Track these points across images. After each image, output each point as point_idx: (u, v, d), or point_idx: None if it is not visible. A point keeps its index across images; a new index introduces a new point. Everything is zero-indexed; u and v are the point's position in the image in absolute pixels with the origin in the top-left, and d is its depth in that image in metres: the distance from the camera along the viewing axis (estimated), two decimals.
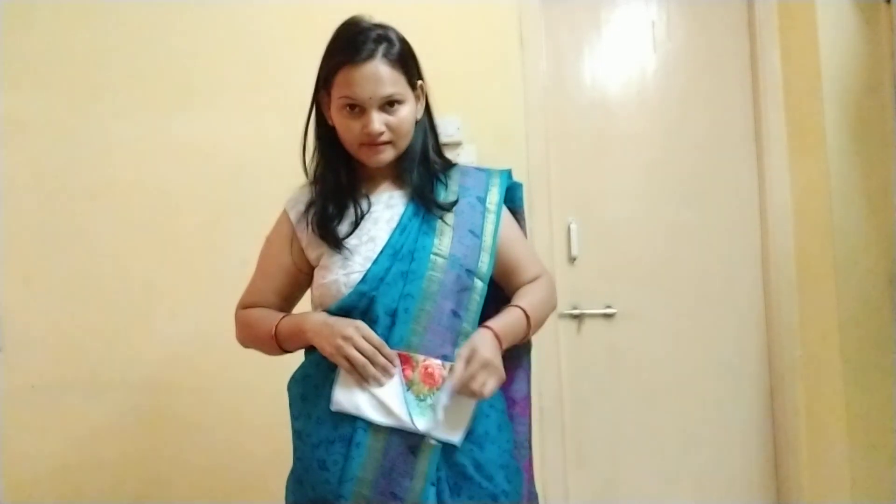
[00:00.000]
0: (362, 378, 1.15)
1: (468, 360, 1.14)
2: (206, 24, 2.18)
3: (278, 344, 1.26)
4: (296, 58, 2.14)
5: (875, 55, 2.09)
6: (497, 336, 1.19)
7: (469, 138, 2.15)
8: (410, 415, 1.14)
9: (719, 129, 2.31)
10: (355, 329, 1.15)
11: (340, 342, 1.14)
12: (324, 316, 1.20)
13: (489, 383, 1.14)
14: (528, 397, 1.38)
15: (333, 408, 1.16)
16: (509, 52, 2.21)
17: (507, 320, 1.24)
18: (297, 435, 1.25)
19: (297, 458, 1.24)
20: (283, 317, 1.27)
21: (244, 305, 1.36)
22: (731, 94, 2.31)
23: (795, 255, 2.21)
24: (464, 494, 1.17)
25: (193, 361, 2.11)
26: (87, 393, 2.10)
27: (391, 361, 1.16)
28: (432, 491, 1.15)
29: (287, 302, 1.35)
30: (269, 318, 1.28)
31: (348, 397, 1.16)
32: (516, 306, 1.26)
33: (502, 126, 2.20)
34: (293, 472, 1.25)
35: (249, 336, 1.34)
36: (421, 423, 1.14)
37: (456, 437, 1.16)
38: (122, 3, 2.16)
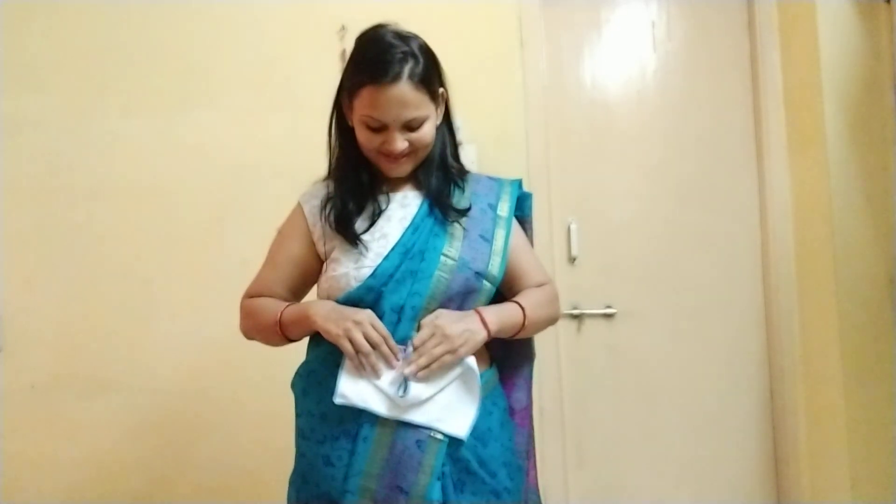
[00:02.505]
0: (362, 366, 1.14)
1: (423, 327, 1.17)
2: (207, 25, 2.18)
3: (282, 331, 1.24)
4: (298, 58, 2.16)
5: (875, 55, 2.09)
6: (481, 316, 1.19)
7: (469, 138, 2.15)
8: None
9: (719, 128, 2.31)
10: (367, 316, 1.16)
11: (350, 325, 1.14)
12: (332, 303, 1.21)
13: (437, 350, 1.14)
14: (527, 408, 1.38)
15: (338, 401, 1.15)
16: (509, 52, 2.22)
17: (498, 308, 1.24)
18: (300, 433, 1.25)
19: (300, 454, 1.25)
20: (289, 304, 1.26)
21: (250, 295, 1.35)
22: (731, 94, 2.31)
23: (795, 255, 2.21)
24: (467, 490, 1.17)
25: (193, 361, 2.11)
26: (87, 393, 2.10)
27: (395, 355, 1.15)
28: (437, 486, 1.15)
29: (293, 295, 1.34)
30: (274, 306, 1.27)
31: (354, 390, 1.15)
32: (513, 301, 1.27)
33: (502, 126, 2.20)
34: (296, 469, 1.25)
35: (253, 325, 1.32)
36: (421, 416, 1.15)
37: (462, 432, 1.16)
38: (124, 3, 2.16)
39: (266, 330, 1.28)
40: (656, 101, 2.31)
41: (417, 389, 1.14)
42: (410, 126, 1.22)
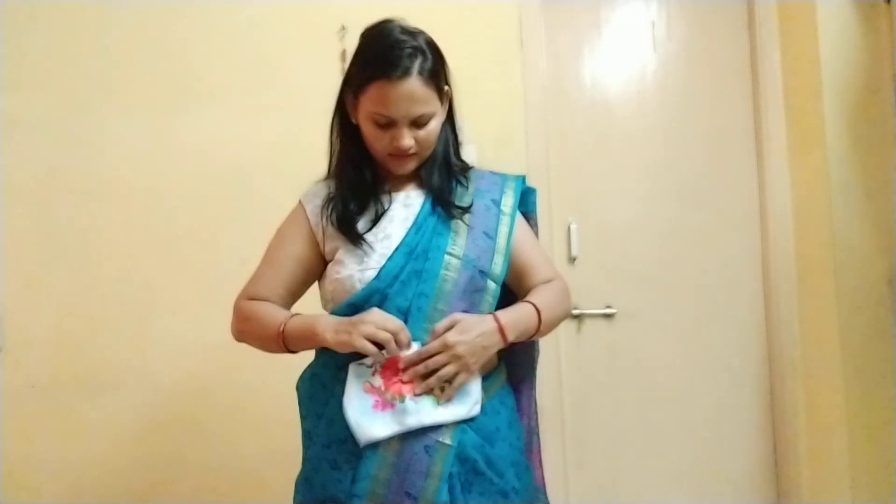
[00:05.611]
0: (385, 348, 1.12)
1: (441, 331, 1.14)
2: (206, 25, 2.18)
3: (285, 344, 1.21)
4: (296, 59, 2.16)
5: (875, 55, 2.09)
6: (500, 325, 1.17)
7: (469, 138, 2.14)
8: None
9: (719, 128, 2.31)
10: (373, 317, 1.14)
11: (362, 329, 1.12)
12: (337, 317, 1.18)
13: (448, 368, 1.13)
14: (523, 409, 1.37)
15: (364, 443, 1.13)
16: (509, 52, 2.21)
17: (516, 313, 1.22)
18: (307, 435, 1.25)
19: (307, 458, 1.24)
20: (292, 316, 1.23)
21: (248, 297, 1.30)
22: (731, 93, 2.31)
23: (795, 255, 2.21)
24: (475, 491, 1.16)
25: (193, 361, 2.11)
26: (87, 393, 2.10)
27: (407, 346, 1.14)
28: (445, 487, 1.14)
29: (292, 296, 1.31)
30: (276, 315, 1.23)
31: (380, 423, 1.13)
32: (527, 302, 1.25)
33: (502, 126, 2.20)
34: (302, 472, 1.25)
35: (250, 330, 1.28)
36: (434, 417, 1.14)
37: (475, 410, 1.17)
38: (122, 3, 2.16)
39: (266, 339, 1.24)
40: (656, 101, 2.31)
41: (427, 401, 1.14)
42: (418, 123, 1.21)
